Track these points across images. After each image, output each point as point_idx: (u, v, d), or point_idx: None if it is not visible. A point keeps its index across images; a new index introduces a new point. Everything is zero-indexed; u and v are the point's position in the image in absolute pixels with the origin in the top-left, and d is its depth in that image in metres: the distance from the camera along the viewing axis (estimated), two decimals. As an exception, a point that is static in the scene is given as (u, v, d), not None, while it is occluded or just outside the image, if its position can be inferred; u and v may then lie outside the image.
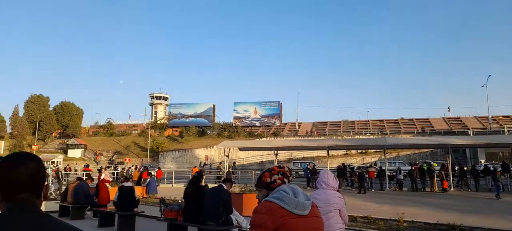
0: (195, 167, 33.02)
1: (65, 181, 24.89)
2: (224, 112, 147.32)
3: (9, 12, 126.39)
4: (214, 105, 77.11)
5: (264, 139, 60.45)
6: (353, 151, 51.86)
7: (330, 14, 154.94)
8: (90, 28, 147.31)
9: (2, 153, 45.28)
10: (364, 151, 50.64)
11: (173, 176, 28.94)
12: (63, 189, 16.48)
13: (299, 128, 71.67)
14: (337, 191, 3.92)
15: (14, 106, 71.68)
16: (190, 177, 27.54)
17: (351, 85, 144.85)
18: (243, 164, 53.87)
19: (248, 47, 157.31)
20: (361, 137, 55.85)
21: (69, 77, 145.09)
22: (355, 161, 49.48)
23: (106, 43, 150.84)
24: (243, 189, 15.25)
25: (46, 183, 1.38)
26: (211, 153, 58.98)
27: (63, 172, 27.65)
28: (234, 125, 71.59)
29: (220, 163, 39.94)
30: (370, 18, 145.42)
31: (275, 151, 29.67)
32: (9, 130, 69.80)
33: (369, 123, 68.71)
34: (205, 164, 50.27)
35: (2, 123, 69.47)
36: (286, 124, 74.86)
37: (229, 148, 32.46)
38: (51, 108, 74.14)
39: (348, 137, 55.68)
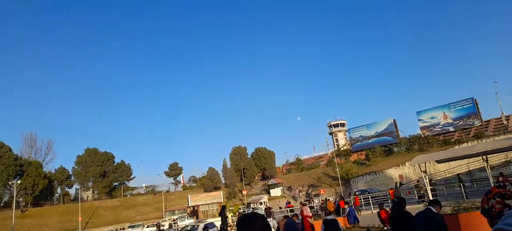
0: (391, 189, 31.51)
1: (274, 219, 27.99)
2: (406, 125, 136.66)
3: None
4: (394, 120, 72.66)
5: (465, 144, 52.39)
6: None
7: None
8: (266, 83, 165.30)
9: (222, 201, 54.77)
10: None
11: (371, 202, 28.37)
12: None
13: (508, 122, 59.01)
14: None
15: (223, 159, 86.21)
16: (389, 200, 26.52)
17: None
18: (445, 177, 47.89)
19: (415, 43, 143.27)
20: None
21: (261, 128, 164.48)
22: None
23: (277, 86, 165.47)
24: (455, 209, 13.63)
25: None
26: (404, 171, 55.01)
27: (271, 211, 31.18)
28: (423, 135, 65.15)
29: (418, 180, 36.80)
30: None
31: (484, 156, 25.30)
32: (222, 180, 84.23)
33: None
34: (401, 184, 47.17)
35: (217, 175, 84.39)
36: (488, 121, 63.00)
37: (425, 163, 29.67)
38: (249, 156, 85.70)
39: None
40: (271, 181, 75.40)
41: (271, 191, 72.03)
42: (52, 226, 60.99)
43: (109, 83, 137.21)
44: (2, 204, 72.90)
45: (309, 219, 13.01)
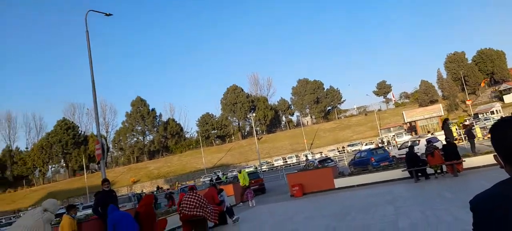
0: None
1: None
2: None
3: None
4: None
5: None
6: None
7: None
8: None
9: (442, 114, 50.65)
10: None
11: None
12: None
13: None
14: None
15: (436, 70, 77.90)
16: None
17: None
18: None
19: None
20: None
21: (483, 24, 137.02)
22: None
23: None
24: None
25: None
26: None
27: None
28: None
29: None
30: None
31: None
32: (438, 92, 76.88)
33: None
34: None
35: (432, 88, 77.43)
36: None
37: None
38: (469, 61, 73.98)
39: None
40: (503, 86, 63.39)
41: (505, 97, 60.81)
42: (285, 148, 72.94)
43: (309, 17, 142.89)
44: (245, 134, 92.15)
45: None
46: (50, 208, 6.12)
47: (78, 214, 10.68)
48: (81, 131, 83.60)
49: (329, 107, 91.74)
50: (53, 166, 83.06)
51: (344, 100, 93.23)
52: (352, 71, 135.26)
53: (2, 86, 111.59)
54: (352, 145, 56.98)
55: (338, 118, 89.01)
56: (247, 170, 26.08)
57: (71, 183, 73.34)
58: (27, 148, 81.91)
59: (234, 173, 40.98)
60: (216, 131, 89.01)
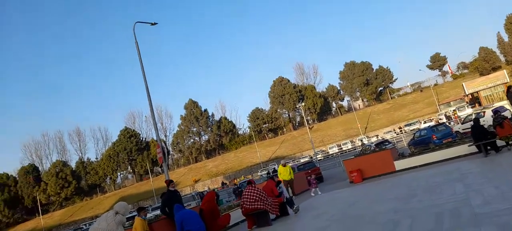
0: None
1: None
2: None
3: None
4: None
5: None
6: None
7: None
8: None
9: (507, 81, 46.26)
10: None
11: None
12: None
13: None
14: None
15: (496, 34, 71.36)
16: None
17: None
18: None
19: None
20: None
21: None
22: None
23: None
24: None
25: None
26: None
27: None
28: None
29: None
30: None
31: None
32: (501, 58, 70.55)
33: None
34: None
35: (493, 54, 71.14)
36: None
37: None
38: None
39: None
40: None
41: None
42: (338, 134, 71.53)
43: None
44: (297, 124, 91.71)
45: None
46: (121, 211, 6.61)
47: (148, 215, 11.43)
48: (142, 137, 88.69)
49: (381, 88, 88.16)
50: (121, 172, 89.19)
51: (396, 79, 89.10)
52: (402, 47, 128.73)
53: (72, 104, 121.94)
54: (410, 124, 54.38)
55: (391, 98, 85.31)
56: (301, 160, 25.98)
57: (138, 187, 78.28)
58: (96, 158, 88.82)
59: (290, 164, 41.09)
60: (267, 124, 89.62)
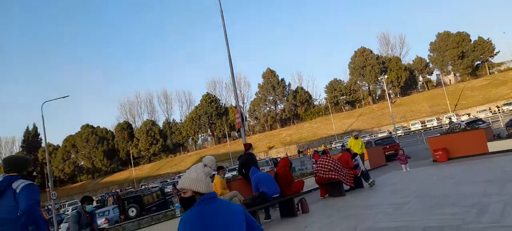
0: None
1: None
2: None
3: None
4: None
5: None
6: None
7: None
8: None
9: None
10: None
11: None
12: None
13: None
14: None
15: None
16: None
17: None
18: None
19: None
20: None
21: None
22: None
23: None
24: None
25: None
26: None
27: None
28: None
29: None
30: None
31: None
32: None
33: None
34: None
35: None
36: None
37: None
38: None
39: None
40: None
41: None
42: (423, 110, 66.47)
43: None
44: (377, 98, 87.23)
45: None
46: (208, 164, 7.14)
47: (225, 175, 12.18)
48: (222, 103, 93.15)
49: (478, 62, 78.69)
50: (202, 134, 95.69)
51: (498, 52, 78.29)
52: (509, 16, 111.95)
53: (159, 67, 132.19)
54: (510, 104, 48.17)
55: (489, 73, 75.80)
56: (379, 135, 24.78)
57: (217, 149, 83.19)
58: (181, 120, 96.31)
59: (366, 139, 39.66)
60: (344, 96, 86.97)
